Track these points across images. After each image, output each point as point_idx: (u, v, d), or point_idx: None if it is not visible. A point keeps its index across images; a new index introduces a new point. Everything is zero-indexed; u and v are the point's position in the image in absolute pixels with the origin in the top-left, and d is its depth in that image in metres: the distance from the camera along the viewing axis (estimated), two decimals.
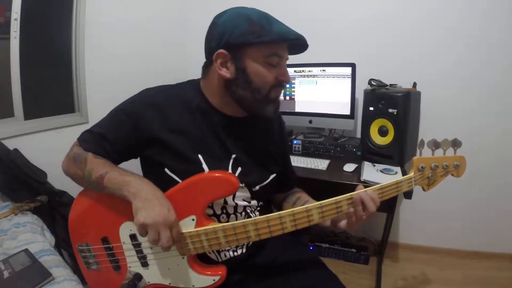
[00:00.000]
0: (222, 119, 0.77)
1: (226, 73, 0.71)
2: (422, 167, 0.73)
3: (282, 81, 0.74)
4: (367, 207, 0.67)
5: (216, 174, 0.72)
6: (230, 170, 0.77)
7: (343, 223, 0.72)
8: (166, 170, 0.74)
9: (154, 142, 0.74)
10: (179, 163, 0.74)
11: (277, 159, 0.86)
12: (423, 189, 0.76)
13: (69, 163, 0.76)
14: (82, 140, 0.78)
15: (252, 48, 0.68)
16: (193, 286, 0.73)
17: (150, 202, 0.63)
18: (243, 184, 0.77)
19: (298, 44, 0.72)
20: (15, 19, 1.28)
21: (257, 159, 0.81)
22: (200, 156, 0.75)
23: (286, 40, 0.70)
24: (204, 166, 0.74)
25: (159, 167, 0.75)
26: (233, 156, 0.77)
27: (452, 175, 0.77)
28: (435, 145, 0.72)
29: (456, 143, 0.73)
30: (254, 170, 0.80)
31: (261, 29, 0.66)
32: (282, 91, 0.78)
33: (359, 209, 0.67)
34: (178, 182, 0.73)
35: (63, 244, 1.19)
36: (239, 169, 0.78)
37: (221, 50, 0.69)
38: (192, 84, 0.81)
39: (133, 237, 0.73)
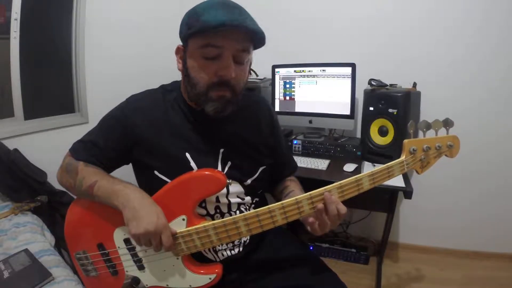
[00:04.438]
0: (199, 115, 0.77)
1: (179, 63, 0.74)
2: (413, 149, 0.70)
3: (221, 76, 0.67)
4: (329, 209, 0.65)
5: (203, 172, 0.71)
6: (219, 165, 0.77)
7: (308, 228, 0.69)
8: (156, 172, 0.75)
9: (142, 145, 0.75)
10: (167, 164, 0.74)
11: (264, 151, 0.84)
12: (417, 172, 0.73)
13: (62, 174, 0.78)
14: (73, 150, 0.79)
15: (190, 41, 0.69)
16: (190, 286, 0.73)
17: (139, 212, 0.64)
18: (230, 180, 0.76)
19: (243, 32, 0.64)
20: (15, 19, 1.28)
21: (245, 152, 0.80)
22: (187, 155, 0.75)
23: (207, 28, 0.63)
24: (192, 164, 0.74)
25: (149, 170, 0.75)
26: (221, 150, 0.77)
27: (446, 155, 0.74)
28: (426, 126, 0.69)
29: (448, 123, 0.70)
30: (243, 163, 0.79)
31: (194, 20, 0.66)
32: (228, 91, 0.69)
33: (323, 216, 0.65)
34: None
35: (63, 244, 1.18)
36: (229, 163, 0.77)
37: (179, 45, 0.73)
38: (175, 85, 0.82)
39: (127, 241, 0.73)
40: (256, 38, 0.68)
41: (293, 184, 0.89)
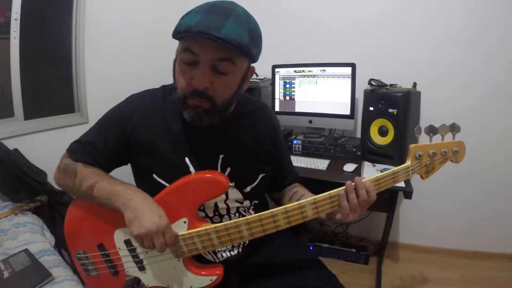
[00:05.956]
0: None
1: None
2: (419, 155, 0.68)
3: (193, 85, 0.63)
4: (359, 194, 0.64)
5: (205, 175, 0.71)
6: (219, 171, 0.76)
7: (338, 216, 0.68)
8: (154, 176, 0.74)
9: (141, 146, 0.74)
10: (166, 168, 0.73)
11: (264, 159, 0.82)
12: (421, 177, 0.72)
13: (60, 175, 0.77)
14: (71, 151, 0.78)
15: (179, 42, 0.65)
16: (191, 287, 0.72)
17: (140, 212, 0.62)
18: (233, 184, 0.75)
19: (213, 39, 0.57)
20: (15, 19, 1.28)
21: (245, 159, 0.79)
22: (187, 159, 0.74)
23: (177, 32, 0.60)
24: (192, 169, 0.74)
25: (147, 173, 0.74)
26: (221, 156, 0.76)
27: (451, 161, 0.72)
28: (432, 131, 0.68)
29: (454, 128, 0.69)
30: (243, 169, 0.78)
31: (178, 21, 0.63)
32: (206, 102, 0.65)
33: (351, 196, 0.64)
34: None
35: (63, 244, 1.19)
36: (228, 169, 0.76)
37: None
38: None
39: (128, 242, 0.73)
40: (235, 49, 0.59)
41: (301, 189, 0.88)
